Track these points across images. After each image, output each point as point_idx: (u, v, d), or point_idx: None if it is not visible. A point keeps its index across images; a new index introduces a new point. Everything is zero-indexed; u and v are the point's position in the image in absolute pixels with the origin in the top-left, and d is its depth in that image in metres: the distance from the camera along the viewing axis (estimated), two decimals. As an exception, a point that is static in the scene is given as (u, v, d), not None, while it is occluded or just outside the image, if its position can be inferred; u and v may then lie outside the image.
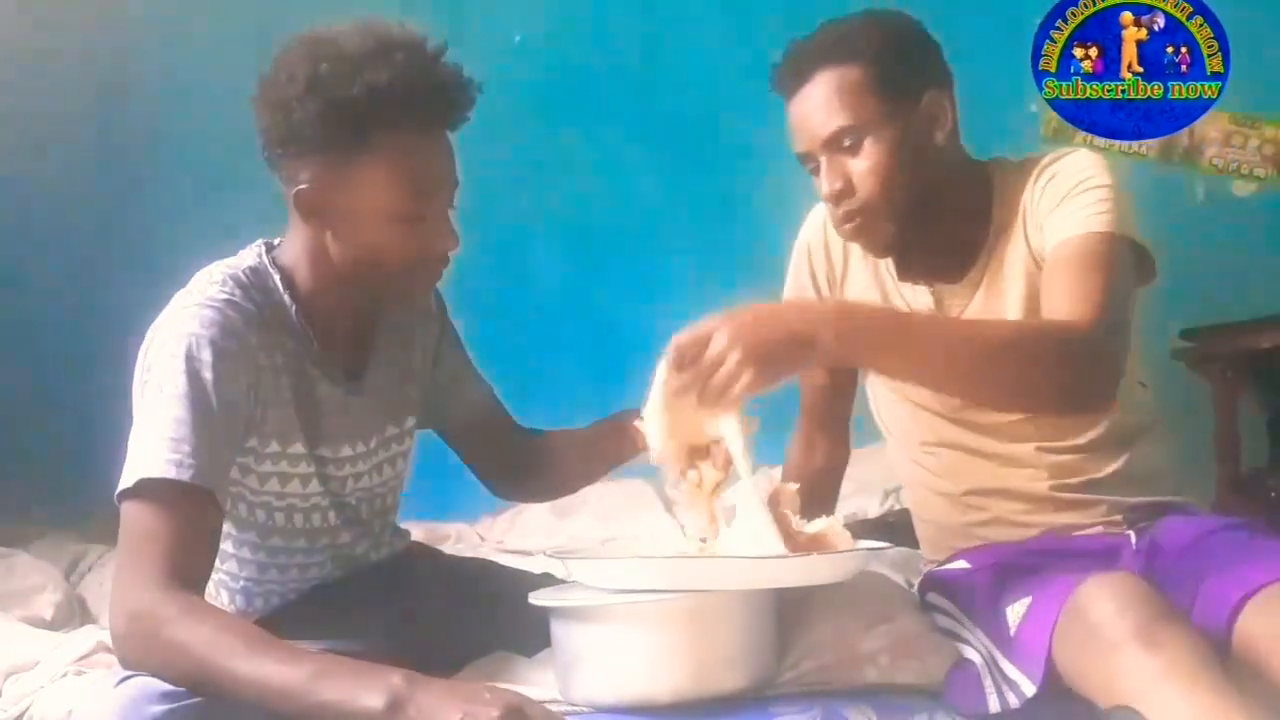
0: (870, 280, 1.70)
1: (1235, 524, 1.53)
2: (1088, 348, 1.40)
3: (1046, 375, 1.38)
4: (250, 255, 1.50)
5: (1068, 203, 1.53)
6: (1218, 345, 2.92)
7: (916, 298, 1.65)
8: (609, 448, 1.65)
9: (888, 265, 1.68)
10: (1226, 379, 2.96)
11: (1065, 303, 1.44)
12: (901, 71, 1.55)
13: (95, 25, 3.10)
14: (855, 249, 1.70)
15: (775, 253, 1.82)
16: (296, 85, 1.38)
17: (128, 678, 1.25)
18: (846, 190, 1.56)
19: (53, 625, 2.11)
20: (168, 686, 1.22)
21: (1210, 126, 3.12)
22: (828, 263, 1.74)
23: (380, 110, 1.38)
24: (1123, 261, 1.49)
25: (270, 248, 1.51)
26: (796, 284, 1.78)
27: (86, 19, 3.10)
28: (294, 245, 1.48)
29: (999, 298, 1.59)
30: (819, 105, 1.56)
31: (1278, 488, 2.94)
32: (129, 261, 2.86)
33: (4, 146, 3.02)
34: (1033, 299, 1.55)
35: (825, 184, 1.57)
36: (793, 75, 1.58)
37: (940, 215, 1.59)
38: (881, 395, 1.75)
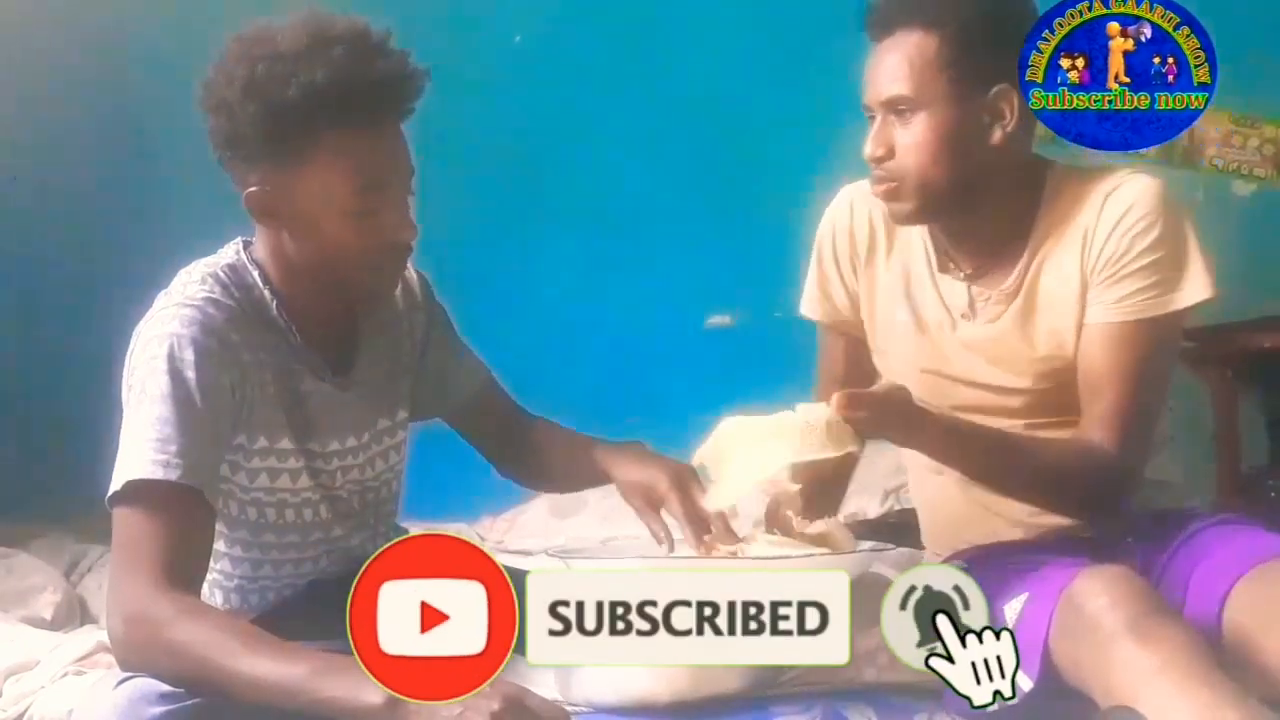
0: (899, 273, 1.66)
1: (1223, 518, 1.54)
2: (1113, 474, 1.50)
3: (1070, 494, 1.51)
4: (229, 252, 1.49)
5: (1125, 274, 1.51)
6: (1218, 345, 2.92)
7: (953, 294, 1.62)
8: (592, 466, 1.64)
9: (929, 255, 1.64)
10: (1226, 379, 2.97)
11: (1100, 414, 1.51)
12: (979, 55, 1.50)
13: (96, 23, 3.10)
14: (883, 237, 1.67)
15: (789, 244, 1.79)
16: (235, 88, 1.37)
17: (127, 679, 1.25)
18: (886, 157, 1.53)
19: (53, 625, 2.11)
20: (167, 687, 1.22)
21: (1210, 126, 3.12)
22: (851, 247, 1.70)
23: (320, 109, 1.36)
24: (1167, 346, 1.56)
25: (248, 244, 1.50)
26: (819, 268, 1.73)
27: (88, 16, 3.09)
28: (261, 243, 1.48)
29: (1033, 317, 1.57)
30: (889, 65, 1.52)
31: (1278, 488, 2.95)
32: (129, 262, 2.85)
33: (4, 145, 3.02)
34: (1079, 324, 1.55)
35: (868, 145, 1.55)
36: (878, 23, 1.55)
37: (985, 211, 1.56)
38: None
